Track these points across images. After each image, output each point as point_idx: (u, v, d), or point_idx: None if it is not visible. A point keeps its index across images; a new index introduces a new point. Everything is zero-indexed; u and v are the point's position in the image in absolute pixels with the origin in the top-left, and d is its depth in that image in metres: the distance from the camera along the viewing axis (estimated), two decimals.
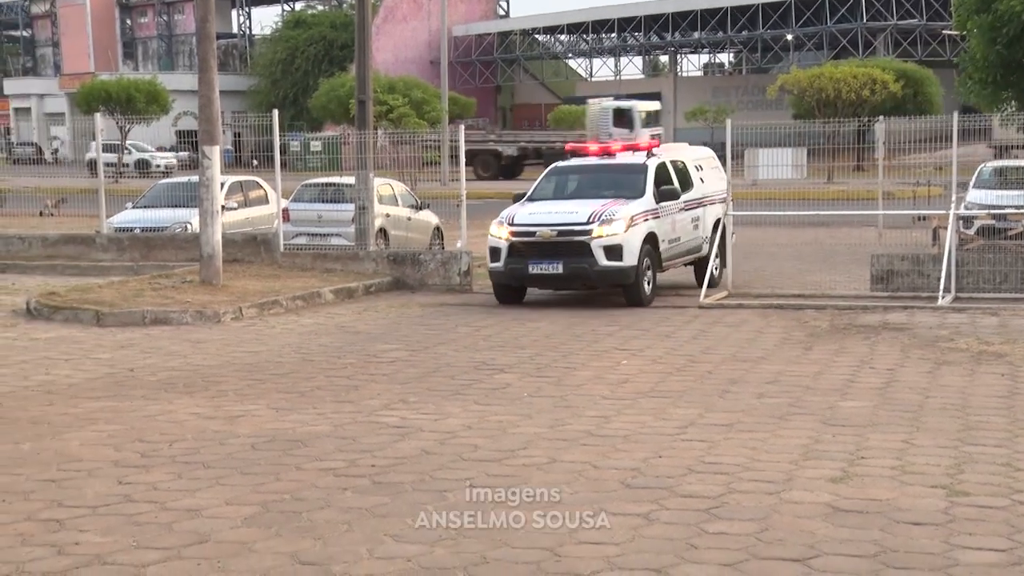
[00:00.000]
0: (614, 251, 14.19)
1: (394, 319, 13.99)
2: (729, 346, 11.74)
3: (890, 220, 20.50)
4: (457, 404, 9.20)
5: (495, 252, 14.73)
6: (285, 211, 19.44)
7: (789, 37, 64.01)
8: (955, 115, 17.27)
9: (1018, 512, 6.31)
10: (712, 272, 15.84)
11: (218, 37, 20.04)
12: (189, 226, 19.36)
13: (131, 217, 20.85)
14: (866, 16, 58.52)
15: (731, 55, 78.14)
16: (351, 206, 18.47)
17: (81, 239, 20.05)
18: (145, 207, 21.09)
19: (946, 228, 15.22)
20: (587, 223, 14.30)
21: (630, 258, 14.25)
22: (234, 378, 10.38)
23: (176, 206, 20.39)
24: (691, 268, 16.40)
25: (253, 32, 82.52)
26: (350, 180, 19.34)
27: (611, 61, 76.67)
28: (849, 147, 31.56)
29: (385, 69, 52.61)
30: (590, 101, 42.03)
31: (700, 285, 15.34)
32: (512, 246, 14.50)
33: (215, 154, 15.87)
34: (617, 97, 42.76)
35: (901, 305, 14.06)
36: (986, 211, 17.71)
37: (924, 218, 19.16)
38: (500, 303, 14.87)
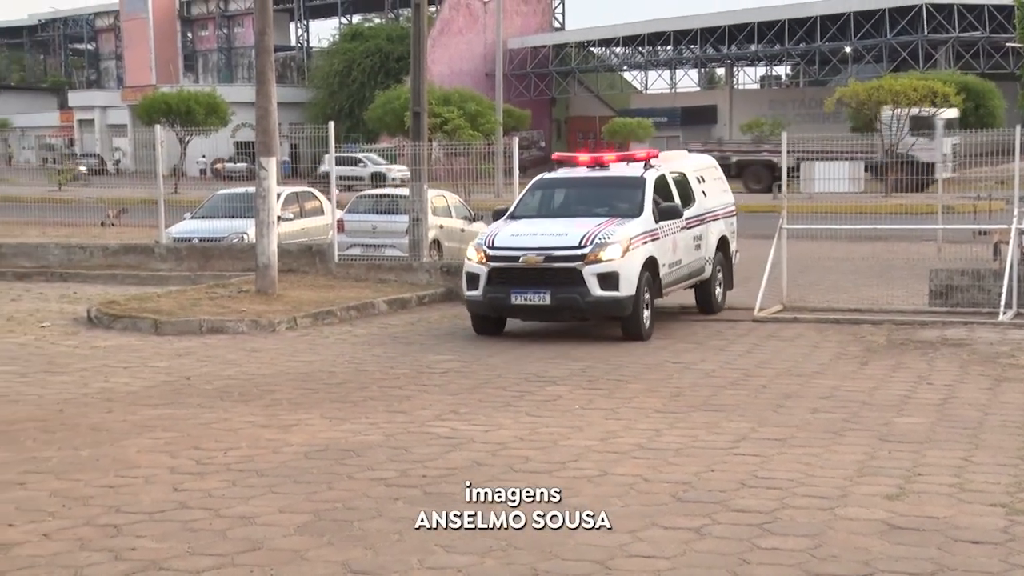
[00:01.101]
0: (609, 279, 12.59)
1: (447, 330, 14.03)
2: (784, 360, 11.64)
3: (950, 234, 20.24)
4: (508, 415, 9.20)
5: (472, 279, 13.06)
6: (340, 222, 19.61)
7: (848, 49, 63.40)
8: (1018, 128, 17.00)
9: None
10: (716, 297, 15.02)
11: (276, 50, 20.28)
12: (246, 236, 19.56)
13: (189, 227, 21.11)
14: (927, 28, 57.82)
15: (788, 67, 77.57)
16: (405, 217, 18.58)
17: (140, 249, 20.33)
18: (203, 217, 21.35)
19: (1007, 243, 14.99)
20: (578, 247, 12.67)
21: (628, 287, 12.60)
22: (288, 387, 10.47)
23: (233, 216, 20.63)
24: (691, 290, 14.95)
25: (311, 45, 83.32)
26: (404, 192, 19.47)
27: (666, 74, 76.47)
28: (908, 161, 31.13)
29: (440, 81, 52.83)
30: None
31: (701, 310, 14.78)
32: (492, 272, 12.84)
33: (272, 165, 16.04)
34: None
35: (961, 320, 13.86)
36: None
37: (985, 232, 18.86)
38: (478, 334, 13.34)
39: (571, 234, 12.88)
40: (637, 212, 13.36)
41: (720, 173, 16.27)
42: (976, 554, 5.90)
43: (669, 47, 73.58)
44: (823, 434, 8.47)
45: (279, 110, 17.31)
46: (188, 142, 43.89)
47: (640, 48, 73.23)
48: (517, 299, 12.76)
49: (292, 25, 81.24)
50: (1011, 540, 6.08)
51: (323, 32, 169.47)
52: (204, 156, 49.80)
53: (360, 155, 46.57)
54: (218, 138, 41.36)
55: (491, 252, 12.97)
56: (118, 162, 56.76)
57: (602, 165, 14.43)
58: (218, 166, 45.03)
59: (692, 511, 6.61)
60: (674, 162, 15.18)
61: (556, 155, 15.95)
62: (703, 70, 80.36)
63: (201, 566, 5.87)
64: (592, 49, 76.09)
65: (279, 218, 17.33)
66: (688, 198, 14.53)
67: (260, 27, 16.83)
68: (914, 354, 11.85)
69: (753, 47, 69.06)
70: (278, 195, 17.34)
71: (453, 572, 5.72)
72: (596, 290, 12.56)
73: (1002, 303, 14.04)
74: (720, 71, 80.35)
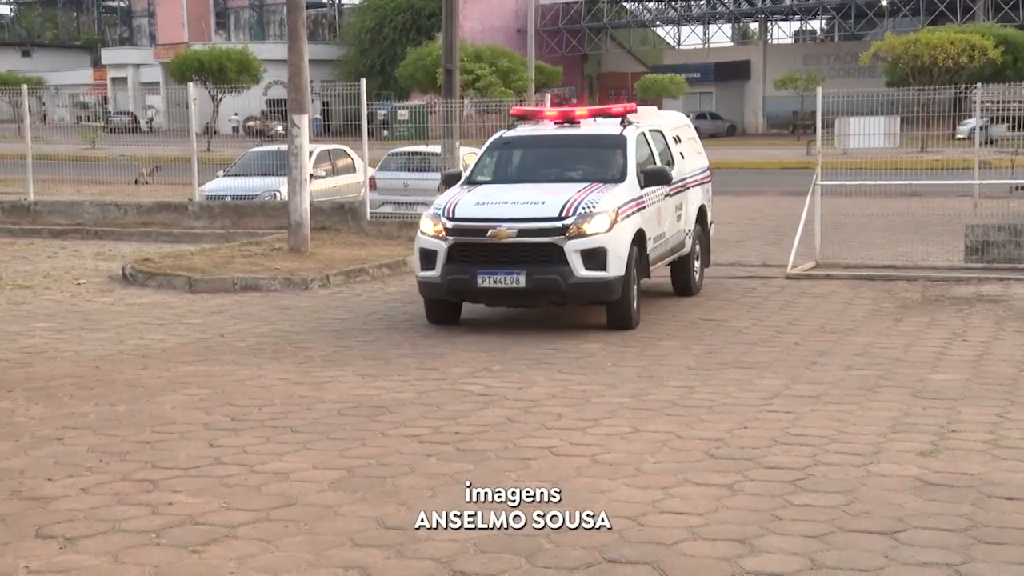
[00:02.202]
0: (596, 257, 10.53)
1: None
2: (817, 317, 11.57)
3: (986, 190, 19.98)
4: (541, 373, 9.21)
5: (428, 256, 10.91)
6: (372, 180, 19.61)
7: (884, 3, 62.55)
8: None
9: None
10: (695, 275, 13.02)
11: (308, 7, 20.21)
12: (278, 194, 19.62)
13: (222, 185, 21.20)
14: None
15: (823, 22, 76.61)
16: (437, 175, 18.55)
17: (174, 207, 20.45)
18: (236, 175, 21.43)
19: None
20: (559, 218, 10.59)
21: (616, 266, 10.57)
22: (321, 344, 10.52)
23: (266, 174, 20.73)
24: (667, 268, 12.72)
25: (342, 1, 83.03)
26: (436, 149, 19.42)
27: (699, 29, 75.69)
28: (945, 115, 30.77)
29: (472, 38, 52.60)
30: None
31: (677, 292, 12.93)
32: (453, 248, 10.74)
33: (304, 123, 16.03)
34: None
35: (996, 277, 13.72)
36: None
37: (1022, 188, 18.62)
38: (431, 323, 11.32)
39: (548, 202, 10.79)
40: (619, 176, 11.35)
41: (694, 133, 14.33)
42: (1010, 511, 5.86)
43: (703, 1, 72.81)
44: (856, 391, 8.43)
45: (311, 67, 17.27)
46: (220, 100, 43.96)
47: (673, 3, 72.53)
48: (484, 281, 10.59)
49: None
50: None
51: None
52: (236, 114, 49.91)
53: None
54: (250, 96, 41.38)
55: (451, 224, 10.77)
56: (151, 120, 56.94)
57: (572, 121, 12.39)
58: (251, 124, 45.10)
59: (725, 468, 6.60)
60: (651, 119, 13.03)
61: (516, 110, 13.69)
62: (737, 25, 79.50)
63: (236, 521, 5.93)
64: (624, 4, 75.43)
65: (311, 176, 17.34)
66: (669, 161, 12.56)
67: None
68: (949, 310, 11.75)
69: (787, 1, 68.22)
70: (310, 153, 17.35)
71: (487, 527, 5.75)
72: (580, 270, 10.49)
73: None
74: (754, 26, 79.45)
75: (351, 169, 21.48)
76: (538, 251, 10.60)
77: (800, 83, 55.08)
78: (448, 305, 11.32)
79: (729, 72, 69.58)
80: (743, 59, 71.48)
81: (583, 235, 10.55)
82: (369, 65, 65.64)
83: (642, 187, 11.40)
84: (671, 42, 78.28)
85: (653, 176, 11.56)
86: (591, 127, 12.28)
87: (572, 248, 10.51)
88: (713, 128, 62.63)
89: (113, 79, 77.59)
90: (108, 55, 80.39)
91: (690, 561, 5.29)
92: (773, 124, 66.55)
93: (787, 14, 73.72)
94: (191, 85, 23.22)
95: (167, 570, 5.30)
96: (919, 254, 15.57)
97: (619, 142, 11.77)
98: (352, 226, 18.54)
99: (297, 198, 15.89)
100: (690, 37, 76.55)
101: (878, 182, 20.08)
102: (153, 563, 5.38)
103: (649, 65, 71.53)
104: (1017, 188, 19.08)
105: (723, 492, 6.23)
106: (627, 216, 10.92)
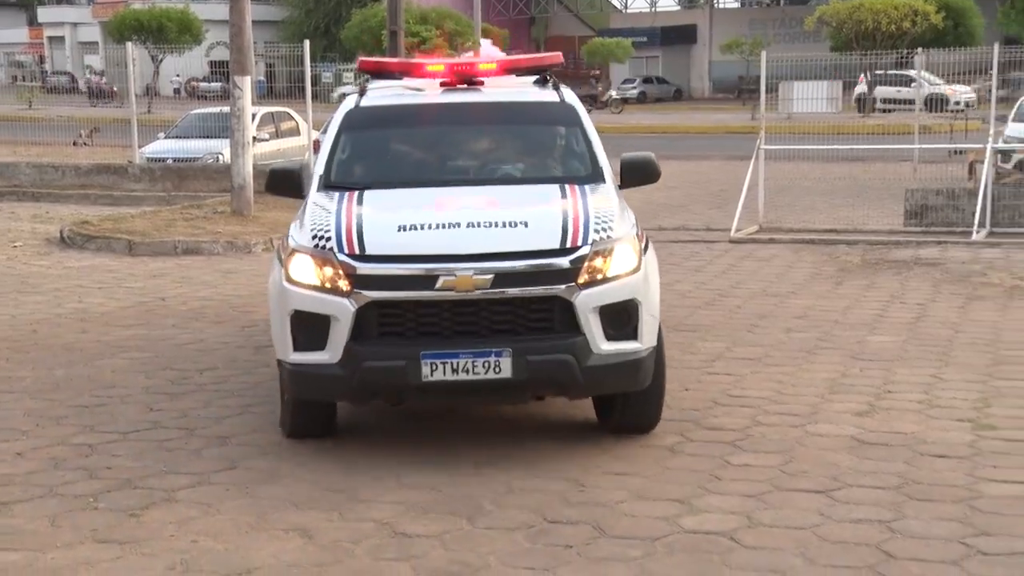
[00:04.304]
0: (624, 317, 6.13)
1: None
2: (759, 281, 11.69)
3: (926, 154, 20.24)
4: None
5: (310, 326, 6.09)
6: (316, 143, 19.40)
7: None
8: (996, 47, 16.95)
9: None
10: None
11: None
12: (221, 157, 19.40)
13: (163, 147, 20.95)
14: None
15: None
16: None
17: (114, 169, 20.16)
18: (177, 137, 21.17)
19: (982, 162, 15.02)
20: (563, 250, 6.05)
21: (651, 331, 6.27)
22: (264, 309, 10.36)
23: (208, 137, 20.47)
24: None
25: None
26: None
27: None
28: (887, 79, 30.94)
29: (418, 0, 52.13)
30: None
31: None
32: (369, 313, 6.00)
33: (246, 84, 15.83)
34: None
35: (934, 240, 13.92)
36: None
37: (961, 152, 18.89)
38: (289, 436, 6.61)
39: (533, 220, 6.22)
40: (590, 172, 7.00)
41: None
42: (942, 468, 5.99)
43: None
44: (796, 353, 8.54)
45: (254, 28, 17.05)
46: (161, 60, 43.25)
47: None
48: (435, 370, 5.89)
49: None
50: (976, 455, 6.18)
51: None
52: (178, 75, 49.17)
53: (912, 73, 29.53)
54: (191, 57, 40.76)
55: (363, 267, 6.00)
56: (90, 79, 55.93)
57: (471, 81, 7.56)
58: (192, 84, 44.47)
59: (666, 429, 6.67)
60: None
61: (365, 61, 8.11)
62: None
63: (176, 484, 5.90)
64: None
65: (254, 139, 17.16)
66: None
67: None
68: (887, 274, 11.92)
69: None
70: (253, 115, 17.16)
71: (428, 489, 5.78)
72: (600, 341, 6.01)
73: (975, 222, 14.10)
74: None
75: (295, 132, 21.28)
76: (530, 311, 5.99)
77: (746, 48, 55.29)
78: (324, 410, 6.52)
79: (675, 36, 69.66)
80: (689, 23, 71.60)
81: (603, 279, 6.04)
82: (314, 27, 64.85)
83: (620, 186, 7.07)
84: (618, 5, 78.18)
85: (637, 170, 7.11)
86: (506, 90, 7.65)
87: (588, 303, 5.96)
88: (659, 92, 62.77)
89: (50, 38, 76.01)
90: (44, 13, 78.69)
91: (630, 521, 5.36)
92: (719, 89, 66.79)
93: None
94: (130, 45, 22.84)
95: (105, 534, 5.27)
96: (860, 218, 15.75)
97: (569, 115, 7.34)
98: None
99: (240, 161, 15.72)
100: (637, 1, 76.51)
101: (821, 147, 20.28)
102: (91, 527, 5.35)
103: (596, 29, 71.41)
104: (955, 152, 19.33)
105: (664, 453, 6.30)
106: (645, 243, 6.49)
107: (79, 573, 4.87)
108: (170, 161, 20.17)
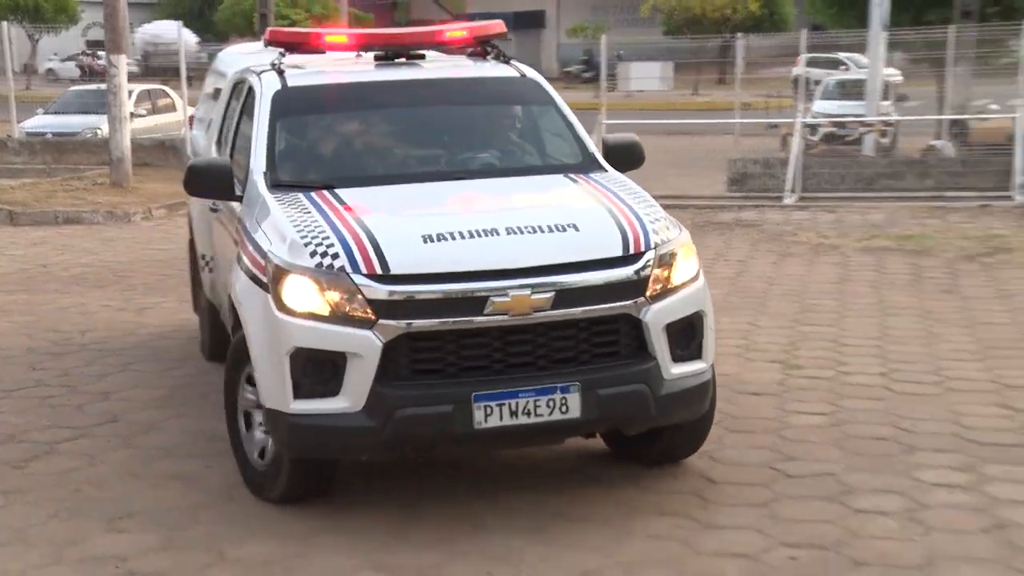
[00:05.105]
0: (691, 332, 4.79)
1: None
2: None
3: (746, 128, 20.78)
4: None
5: (316, 364, 4.38)
6: (191, 118, 18.89)
7: None
8: (803, 32, 17.49)
9: (841, 382, 6.59)
10: None
11: None
12: (99, 131, 18.73)
13: (42, 122, 20.15)
14: None
15: None
16: None
17: None
18: (57, 113, 20.44)
19: (793, 135, 15.52)
20: (625, 257, 4.62)
21: (711, 346, 4.93)
22: (143, 273, 10.17)
23: (87, 112, 19.80)
24: None
25: None
26: None
27: None
28: (713, 62, 31.65)
29: None
30: None
31: None
32: (397, 345, 4.35)
33: (122, 62, 15.28)
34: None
35: (753, 204, 14.34)
36: (828, 120, 18.07)
37: (775, 126, 19.47)
38: (281, 499, 4.82)
39: (582, 223, 4.75)
40: (582, 159, 5.74)
41: None
42: (756, 403, 6.22)
43: None
44: None
45: (131, 10, 16.45)
46: (38, 40, 41.39)
47: None
48: (490, 413, 4.36)
49: None
50: (785, 391, 6.43)
51: None
52: (56, 54, 47.11)
53: (843, 56, 27.43)
54: (67, 36, 39.10)
55: (392, 290, 4.37)
56: None
57: (409, 54, 6.12)
58: (83, 63, 42.72)
59: None
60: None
61: (277, 31, 6.10)
62: None
63: (59, 437, 5.74)
64: None
65: (132, 114, 16.62)
66: None
67: None
68: (713, 234, 12.24)
69: None
70: (130, 92, 16.61)
71: None
72: (670, 363, 4.68)
73: (787, 188, 14.58)
74: None
75: (171, 108, 20.71)
76: (593, 334, 4.57)
77: (589, 32, 55.75)
78: (322, 468, 4.82)
79: (527, 21, 69.60)
80: (539, 9, 71.70)
81: (670, 290, 4.73)
82: (188, 9, 62.81)
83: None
84: None
85: (623, 155, 5.89)
86: (451, 65, 6.25)
87: (659, 320, 4.63)
88: None
89: None
90: None
91: None
92: (566, 69, 67.17)
93: None
94: (5, 24, 21.76)
95: None
96: (689, 186, 16.08)
97: (538, 92, 6.00)
98: (174, 162, 17.83)
99: (118, 135, 15.19)
100: None
101: (655, 121, 20.66)
102: None
103: (454, 13, 70.96)
104: (771, 126, 19.91)
105: None
106: None
107: None
108: (50, 135, 19.39)
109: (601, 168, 5.59)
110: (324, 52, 6.02)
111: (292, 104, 5.54)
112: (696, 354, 4.76)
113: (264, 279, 4.58)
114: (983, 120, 16.22)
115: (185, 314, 8.47)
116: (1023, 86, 14.95)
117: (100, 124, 18.31)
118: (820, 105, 19.46)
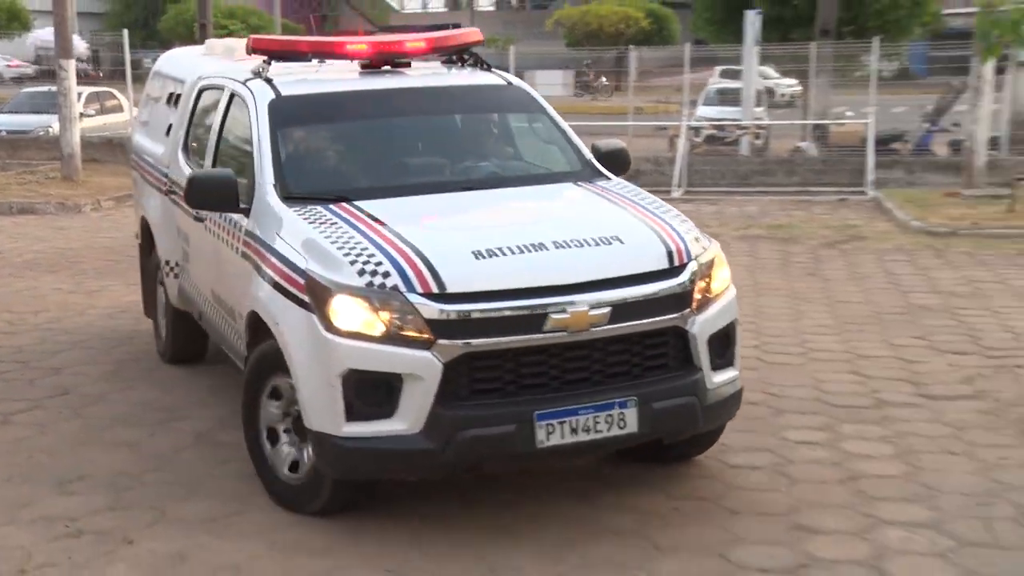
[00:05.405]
0: (726, 342, 4.38)
1: None
2: None
3: (638, 130, 20.97)
4: None
5: (371, 385, 3.85)
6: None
7: None
8: (687, 47, 17.70)
9: None
10: None
11: None
12: (51, 129, 18.13)
13: None
14: None
15: None
16: None
17: None
18: (10, 112, 19.89)
19: (679, 136, 15.71)
20: (671, 269, 4.20)
21: (738, 356, 4.51)
22: (93, 259, 9.86)
23: (39, 112, 19.25)
24: None
25: None
26: None
27: None
28: (609, 71, 31.89)
29: None
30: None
31: None
32: (457, 365, 3.84)
33: (71, 67, 14.80)
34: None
35: None
36: (710, 123, 18.34)
37: (664, 128, 19.70)
38: (322, 513, 4.23)
39: (625, 235, 4.28)
40: (581, 166, 5.25)
41: None
42: None
43: None
44: None
45: (81, 19, 15.96)
46: None
47: None
48: (552, 431, 3.91)
49: None
50: None
51: None
52: (8, 59, 45.25)
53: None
54: (21, 43, 37.65)
55: (451, 309, 3.86)
56: None
57: (393, 63, 5.45)
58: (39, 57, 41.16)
59: None
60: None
61: (261, 39, 5.29)
62: None
63: (12, 409, 5.54)
64: None
65: (81, 114, 16.12)
66: None
67: None
68: None
69: None
70: (80, 94, 16.11)
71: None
72: (711, 373, 4.26)
73: (674, 183, 14.77)
74: None
75: (119, 109, 20.17)
76: (644, 348, 4.16)
77: (500, 44, 55.65)
78: (367, 482, 4.27)
79: None
80: (455, 23, 71.43)
81: (710, 301, 4.35)
82: (134, 19, 61.00)
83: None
84: (395, 6, 77.09)
85: (613, 161, 5.36)
86: (436, 74, 5.59)
87: (704, 332, 4.26)
88: None
89: None
90: None
91: None
92: None
93: None
94: None
95: None
96: None
97: (528, 100, 5.48)
98: (121, 159, 17.30)
99: (68, 133, 14.71)
100: (412, 2, 75.61)
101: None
102: None
103: (378, 26, 70.20)
104: (660, 129, 20.13)
105: None
106: None
107: None
108: (4, 133, 18.74)
109: (603, 175, 5.11)
110: (310, 59, 5.33)
111: (289, 113, 4.90)
112: (730, 361, 4.39)
113: (302, 296, 3.98)
114: (840, 125, 16.62)
115: (133, 296, 8.24)
116: (874, 96, 15.38)
117: (51, 123, 17.76)
118: (702, 111, 19.73)
